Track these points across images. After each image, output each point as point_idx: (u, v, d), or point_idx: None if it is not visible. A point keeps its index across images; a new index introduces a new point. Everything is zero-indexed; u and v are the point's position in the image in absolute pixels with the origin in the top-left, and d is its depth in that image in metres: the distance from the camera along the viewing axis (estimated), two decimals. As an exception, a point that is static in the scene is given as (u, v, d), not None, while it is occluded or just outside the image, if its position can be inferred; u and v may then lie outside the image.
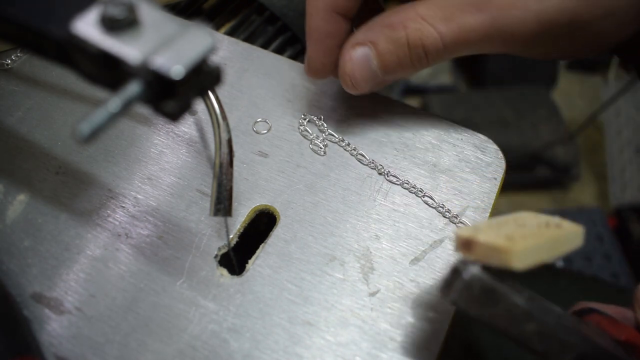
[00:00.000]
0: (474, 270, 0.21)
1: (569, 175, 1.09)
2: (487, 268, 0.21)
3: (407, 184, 0.31)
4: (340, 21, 0.28)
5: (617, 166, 1.09)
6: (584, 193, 1.13)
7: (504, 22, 0.25)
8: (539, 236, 0.21)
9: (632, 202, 1.03)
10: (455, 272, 0.21)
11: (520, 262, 0.20)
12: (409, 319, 0.26)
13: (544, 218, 0.23)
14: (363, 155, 0.32)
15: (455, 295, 0.21)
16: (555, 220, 0.23)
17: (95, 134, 0.18)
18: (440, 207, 0.30)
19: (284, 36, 0.41)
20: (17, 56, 0.35)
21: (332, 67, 0.30)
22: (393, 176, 0.31)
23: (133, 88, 0.19)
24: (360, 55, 0.27)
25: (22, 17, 0.21)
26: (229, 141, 0.27)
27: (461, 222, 0.29)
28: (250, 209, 0.30)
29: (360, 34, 0.28)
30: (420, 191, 0.30)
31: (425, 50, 0.26)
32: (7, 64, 0.34)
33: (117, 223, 0.29)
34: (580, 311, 0.25)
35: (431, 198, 0.30)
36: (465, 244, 0.21)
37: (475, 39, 0.25)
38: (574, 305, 0.26)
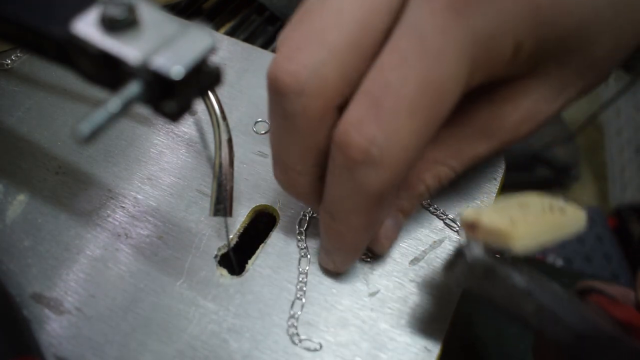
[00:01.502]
0: (477, 251, 0.22)
1: (569, 175, 1.09)
2: (490, 249, 0.22)
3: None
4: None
5: (617, 166, 1.09)
6: (583, 193, 1.13)
7: (514, 140, 0.26)
8: (542, 221, 0.22)
9: (632, 202, 1.02)
10: (459, 254, 0.22)
11: (522, 245, 0.21)
12: (409, 319, 0.26)
13: (548, 201, 0.24)
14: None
15: (459, 275, 0.22)
16: (560, 203, 0.24)
17: (95, 134, 0.18)
18: (441, 211, 0.30)
19: (284, 36, 0.41)
20: (17, 56, 0.35)
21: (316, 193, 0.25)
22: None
23: (133, 88, 0.19)
24: (393, 225, 0.27)
25: (22, 17, 0.21)
26: (229, 141, 0.27)
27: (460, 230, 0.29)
28: (250, 209, 0.30)
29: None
30: None
31: (441, 183, 0.27)
32: (7, 64, 0.35)
33: (117, 223, 0.29)
34: (582, 290, 0.26)
35: (430, 202, 0.30)
36: (469, 226, 0.22)
37: (484, 158, 0.26)
38: (578, 283, 0.27)
